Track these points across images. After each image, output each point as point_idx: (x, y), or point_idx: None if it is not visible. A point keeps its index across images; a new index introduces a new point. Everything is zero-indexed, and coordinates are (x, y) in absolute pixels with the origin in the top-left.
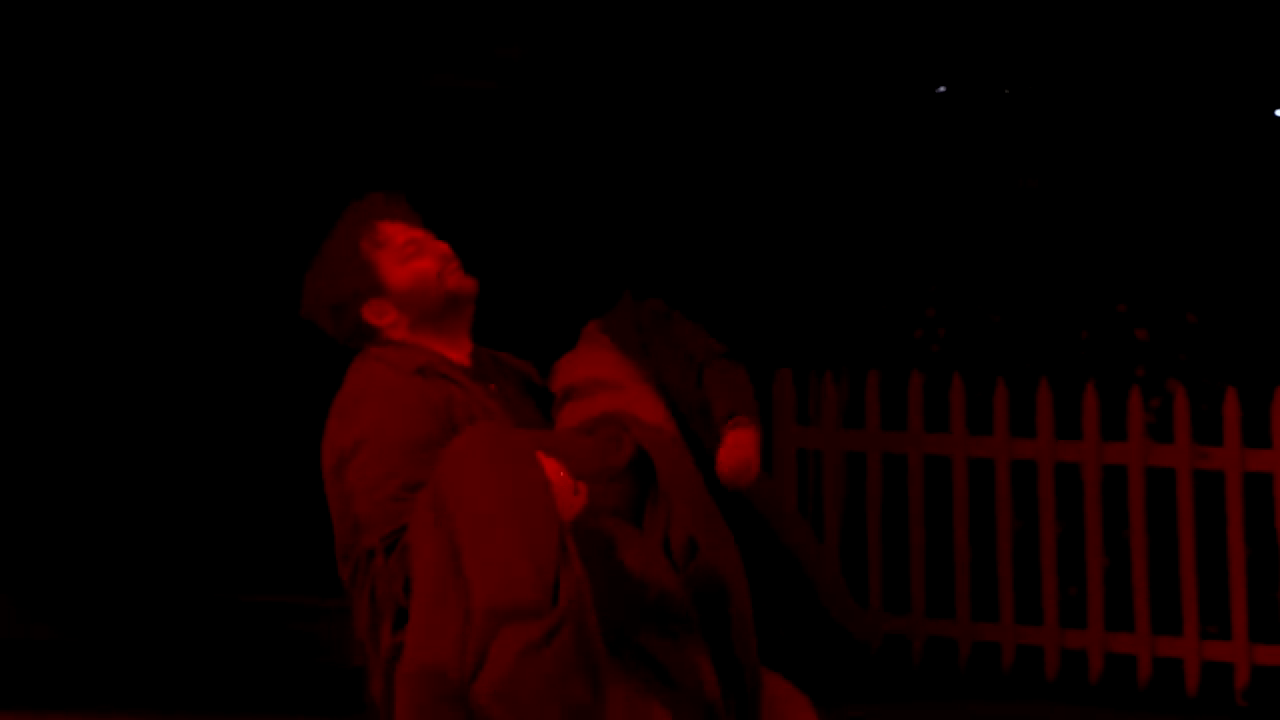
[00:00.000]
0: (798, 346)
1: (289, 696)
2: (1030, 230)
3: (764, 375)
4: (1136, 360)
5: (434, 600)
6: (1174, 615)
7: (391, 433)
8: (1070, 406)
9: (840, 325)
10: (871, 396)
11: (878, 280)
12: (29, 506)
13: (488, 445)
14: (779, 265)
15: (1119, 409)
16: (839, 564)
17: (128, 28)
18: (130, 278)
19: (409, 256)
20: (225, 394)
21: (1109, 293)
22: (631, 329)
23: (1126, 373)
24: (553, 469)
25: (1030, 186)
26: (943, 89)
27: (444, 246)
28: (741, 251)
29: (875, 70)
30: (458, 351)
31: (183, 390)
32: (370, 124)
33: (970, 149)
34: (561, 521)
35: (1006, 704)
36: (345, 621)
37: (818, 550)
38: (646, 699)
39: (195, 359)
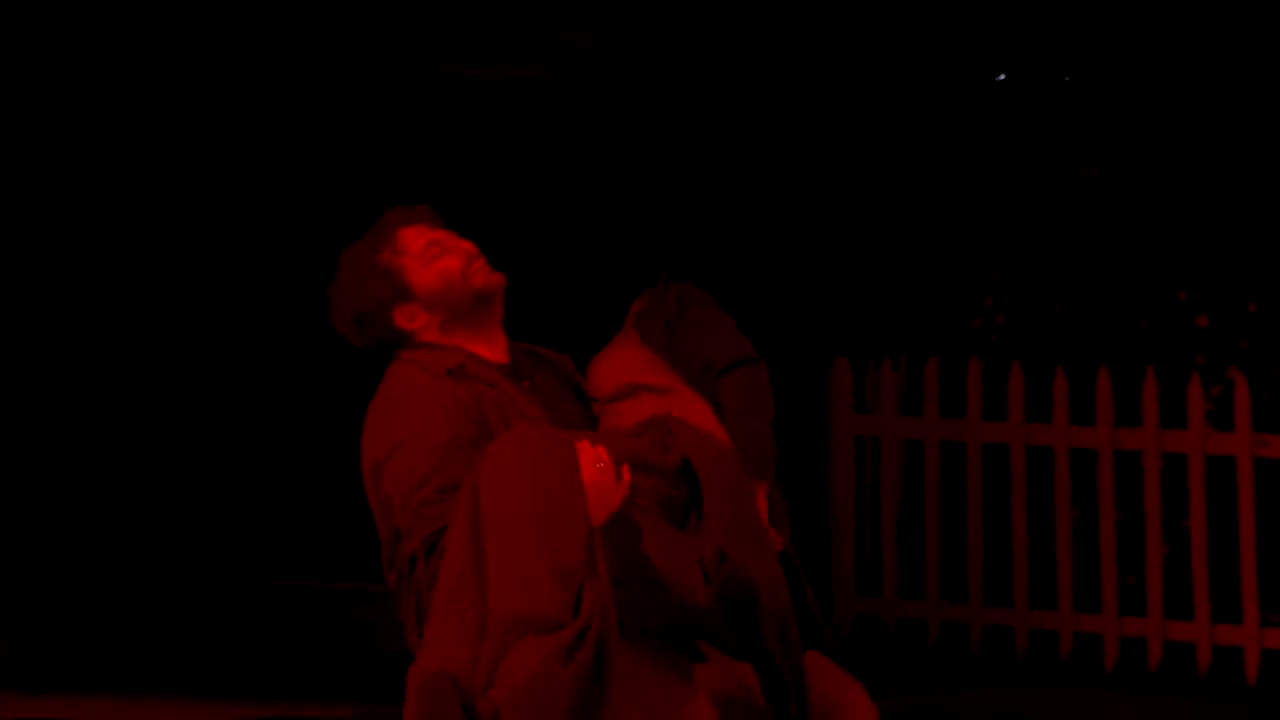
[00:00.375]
0: (856, 334)
1: (348, 683)
2: (1090, 218)
3: (822, 363)
4: (1197, 348)
5: (452, 603)
6: (1234, 603)
7: (424, 437)
8: (1130, 394)
9: (899, 313)
10: (930, 384)
11: (936, 268)
12: (89, 493)
13: (523, 448)
14: (838, 253)
15: (1179, 397)
16: None
17: (152, 22)
18: (167, 269)
19: (432, 258)
20: (279, 383)
21: (1169, 280)
22: (661, 329)
23: (1186, 360)
24: (593, 458)
25: (1090, 174)
26: (1002, 77)
27: (467, 245)
28: (800, 240)
29: (935, 58)
30: (492, 349)
31: (236, 380)
32: (402, 114)
33: (1030, 137)
34: (592, 528)
35: (1065, 691)
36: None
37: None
38: (681, 679)
39: (250, 349)
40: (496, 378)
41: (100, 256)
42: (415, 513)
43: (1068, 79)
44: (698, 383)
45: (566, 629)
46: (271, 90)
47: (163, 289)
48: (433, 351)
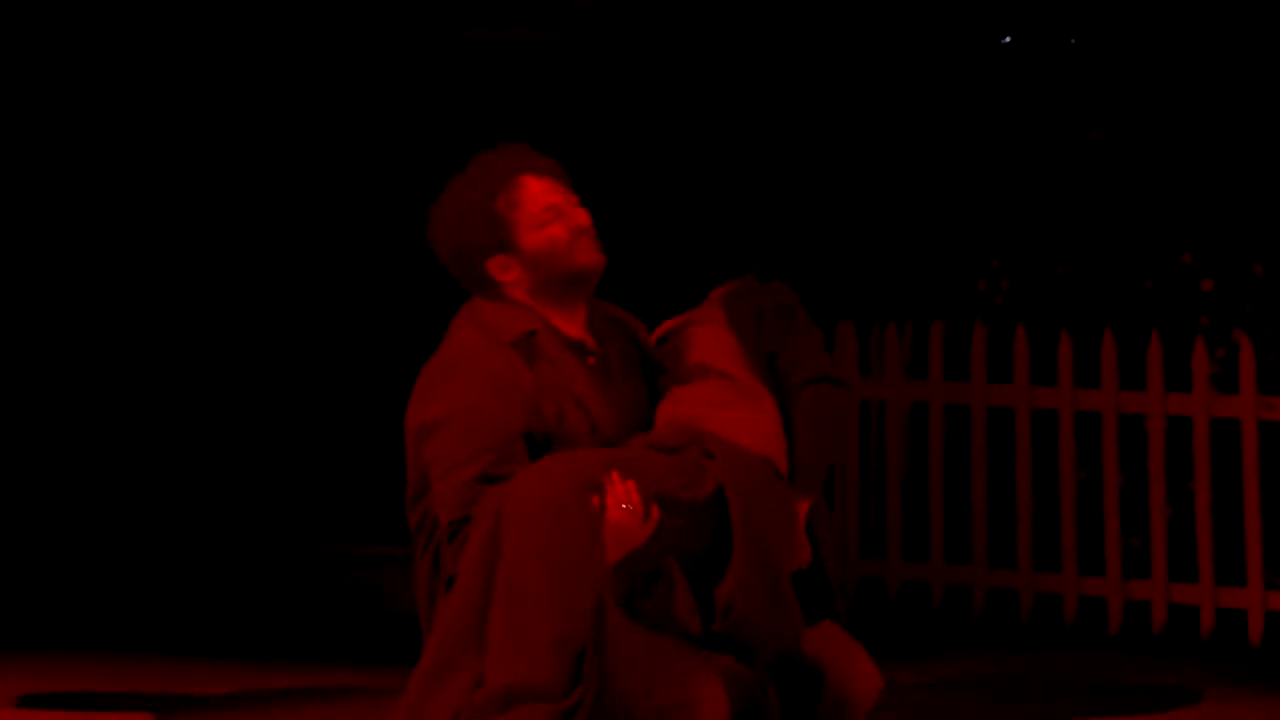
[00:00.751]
0: (861, 298)
1: (352, 646)
2: (1095, 181)
3: (826, 327)
4: (1201, 311)
5: (446, 666)
6: (1238, 566)
7: (474, 417)
8: (1135, 357)
9: (904, 277)
10: (935, 348)
11: (941, 232)
12: (101, 455)
13: (548, 495)
14: (842, 217)
15: (1184, 360)
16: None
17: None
18: (186, 238)
19: (545, 223)
20: (296, 349)
21: (1174, 243)
22: (750, 318)
23: (1191, 323)
24: (620, 497)
25: (1095, 138)
26: (1008, 39)
27: (583, 217)
28: (804, 204)
29: (941, 21)
30: (570, 322)
31: (251, 346)
32: (420, 77)
33: (1035, 100)
34: (606, 577)
35: (1069, 654)
36: (407, 570)
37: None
38: (690, 650)
39: (269, 317)
40: (563, 355)
41: (128, 218)
42: (452, 489)
43: (1073, 41)
44: (770, 382)
45: (560, 702)
46: (296, 57)
47: (178, 264)
48: (508, 310)
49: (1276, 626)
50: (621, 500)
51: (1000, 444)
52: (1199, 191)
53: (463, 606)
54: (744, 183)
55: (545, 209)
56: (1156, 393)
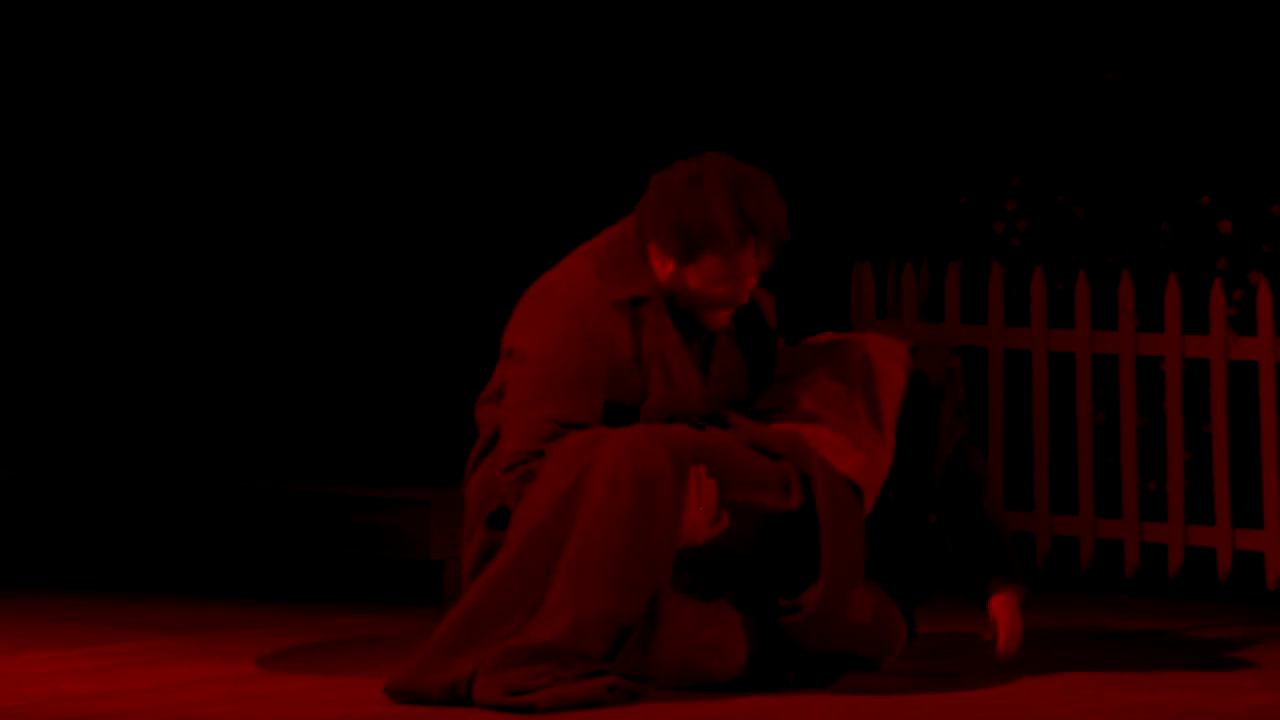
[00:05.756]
0: (877, 239)
1: (348, 588)
2: (1113, 123)
3: (843, 268)
4: (1219, 252)
5: (477, 619)
6: (1255, 509)
7: (561, 359)
8: (1152, 299)
9: (920, 218)
10: (951, 290)
11: (958, 173)
12: (90, 387)
13: (639, 481)
14: (858, 157)
15: (1201, 302)
16: None
17: None
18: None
19: (715, 279)
20: (299, 281)
21: (1192, 185)
22: (940, 373)
23: (1209, 265)
24: (698, 499)
25: (1114, 79)
26: None
27: (743, 296)
28: (820, 143)
29: None
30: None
31: (255, 276)
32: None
33: (1053, 40)
34: (670, 563)
35: (1085, 595)
36: (408, 514)
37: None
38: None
39: (276, 250)
40: (667, 327)
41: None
42: (523, 421)
43: None
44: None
45: (595, 664)
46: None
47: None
48: (632, 267)
49: None
50: (698, 501)
51: (1017, 386)
52: (1217, 133)
53: (520, 561)
54: (758, 120)
55: (725, 276)
56: (1174, 335)
